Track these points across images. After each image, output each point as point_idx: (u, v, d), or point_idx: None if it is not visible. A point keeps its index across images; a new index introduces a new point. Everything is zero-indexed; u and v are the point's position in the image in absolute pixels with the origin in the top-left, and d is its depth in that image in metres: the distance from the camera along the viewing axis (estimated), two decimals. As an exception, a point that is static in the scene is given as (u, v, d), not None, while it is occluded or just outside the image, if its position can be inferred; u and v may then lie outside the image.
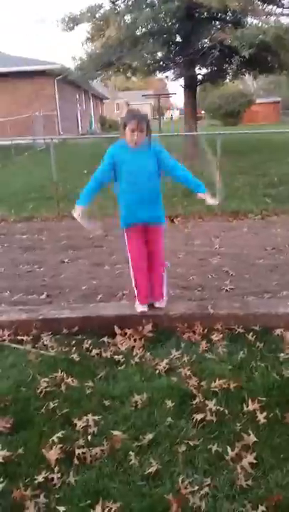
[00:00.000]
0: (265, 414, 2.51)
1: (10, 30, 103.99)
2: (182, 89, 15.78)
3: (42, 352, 3.29)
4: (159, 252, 3.64)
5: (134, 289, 3.71)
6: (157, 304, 3.72)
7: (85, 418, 2.50)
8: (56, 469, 2.15)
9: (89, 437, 2.37)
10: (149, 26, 13.26)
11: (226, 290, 4.26)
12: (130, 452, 2.25)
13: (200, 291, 4.26)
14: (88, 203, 3.51)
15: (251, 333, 3.41)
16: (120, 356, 3.18)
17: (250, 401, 2.61)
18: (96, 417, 2.51)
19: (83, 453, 2.25)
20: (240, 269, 4.81)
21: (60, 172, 8.90)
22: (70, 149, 17.47)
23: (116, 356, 3.19)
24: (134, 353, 3.21)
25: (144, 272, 3.64)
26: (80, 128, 28.39)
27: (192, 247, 5.66)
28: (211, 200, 3.54)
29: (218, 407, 2.57)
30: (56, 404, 2.65)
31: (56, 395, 2.76)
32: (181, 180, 3.52)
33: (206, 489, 2.02)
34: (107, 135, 20.28)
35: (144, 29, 13.46)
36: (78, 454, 2.24)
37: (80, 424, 2.46)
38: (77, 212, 3.49)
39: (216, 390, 2.75)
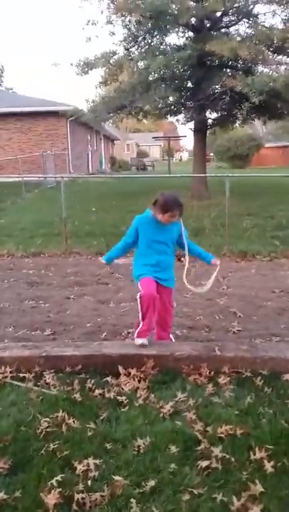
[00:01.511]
0: (272, 463, 2.40)
1: (26, 72, 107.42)
2: (192, 132, 16.13)
3: (44, 390, 3.20)
4: (170, 304, 3.81)
5: (140, 321, 3.67)
6: None
7: (85, 461, 2.40)
8: (54, 515, 2.05)
9: (89, 482, 2.26)
10: (161, 72, 13.70)
11: (234, 332, 4.19)
12: (132, 499, 2.14)
13: (207, 332, 4.20)
14: (112, 262, 3.95)
15: (259, 378, 3.31)
16: (124, 397, 3.09)
17: (257, 449, 2.50)
18: (97, 461, 2.41)
19: (83, 498, 2.15)
20: (248, 310, 4.74)
21: (69, 209, 9.01)
22: (79, 188, 17.73)
23: (119, 397, 3.10)
24: (138, 395, 3.12)
25: (153, 305, 3.64)
26: (90, 167, 28.97)
27: (199, 286, 5.60)
28: (218, 261, 3.88)
29: (224, 454, 2.47)
30: (56, 446, 2.55)
31: (57, 435, 2.67)
32: (195, 255, 3.88)
33: None
34: (116, 175, 20.60)
35: (156, 75, 13.90)
36: (77, 499, 2.14)
37: (80, 467, 2.36)
38: (102, 265, 3.82)
39: (222, 435, 2.64)
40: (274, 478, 2.32)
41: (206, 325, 4.35)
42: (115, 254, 3.87)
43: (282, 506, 2.14)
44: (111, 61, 14.11)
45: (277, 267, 6.70)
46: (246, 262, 7.03)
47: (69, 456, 2.47)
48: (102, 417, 2.87)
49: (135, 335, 3.71)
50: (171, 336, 3.90)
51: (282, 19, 13.87)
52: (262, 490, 2.21)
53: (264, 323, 4.41)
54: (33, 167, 20.45)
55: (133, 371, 3.40)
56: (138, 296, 3.60)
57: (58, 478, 2.27)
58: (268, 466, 2.38)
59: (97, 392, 3.17)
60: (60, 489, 2.20)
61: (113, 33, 14.35)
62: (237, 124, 18.37)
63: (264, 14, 14.25)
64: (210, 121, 16.40)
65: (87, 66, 14.09)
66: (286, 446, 2.57)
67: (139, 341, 3.65)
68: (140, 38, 14.65)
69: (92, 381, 3.30)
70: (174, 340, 3.87)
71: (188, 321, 4.40)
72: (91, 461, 2.40)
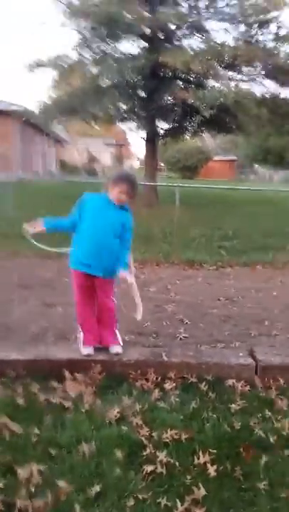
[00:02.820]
0: (215, 467, 2.45)
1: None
2: (143, 141, 16.28)
3: (-14, 395, 3.11)
4: (107, 301, 3.66)
5: (79, 328, 3.64)
6: (114, 350, 3.64)
7: (29, 467, 2.35)
8: (-6, 523, 1.99)
9: (32, 488, 2.22)
10: (114, 80, 13.77)
11: (180, 338, 4.24)
12: (76, 505, 2.12)
13: (154, 338, 4.22)
14: (51, 228, 3.55)
15: (204, 383, 3.37)
16: (69, 402, 3.05)
17: (201, 453, 2.54)
18: (41, 467, 2.37)
19: (25, 505, 2.10)
20: (195, 317, 4.82)
21: (17, 210, 8.82)
22: (28, 189, 17.41)
23: (65, 402, 3.05)
24: (84, 400, 3.09)
25: (91, 310, 3.64)
26: (39, 169, 28.51)
27: (148, 293, 5.64)
28: (129, 280, 3.58)
29: (168, 459, 2.49)
30: (-2, 452, 2.48)
31: (-1, 441, 2.60)
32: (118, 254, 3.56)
33: None
34: (66, 179, 20.43)
35: (109, 82, 13.96)
36: (20, 506, 2.09)
37: (23, 473, 2.30)
38: (34, 225, 3.50)
39: (167, 440, 2.67)
40: (216, 481, 2.37)
41: (153, 331, 4.37)
42: (56, 222, 3.61)
43: (223, 509, 2.19)
44: (64, 65, 14.04)
45: (223, 276, 6.85)
46: (193, 270, 7.15)
47: (12, 462, 2.40)
48: (46, 423, 2.82)
49: (80, 343, 3.67)
50: (118, 335, 3.76)
51: (233, 37, 14.34)
52: (205, 493, 2.25)
53: (209, 329, 4.49)
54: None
55: (79, 376, 3.37)
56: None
57: (0, 484, 2.21)
58: (211, 470, 2.43)
59: (41, 397, 3.11)
60: (2, 496, 2.14)
61: (67, 37, 14.31)
62: (187, 137, 18.72)
63: (216, 31, 14.69)
64: (161, 131, 16.62)
65: (38, 65, 13.95)
66: (228, 449, 2.63)
67: (84, 351, 3.62)
68: (94, 45, 14.67)
69: (37, 386, 3.23)
70: (120, 341, 3.74)
71: (136, 327, 4.39)
72: (34, 467, 2.35)
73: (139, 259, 7.19)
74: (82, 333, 3.68)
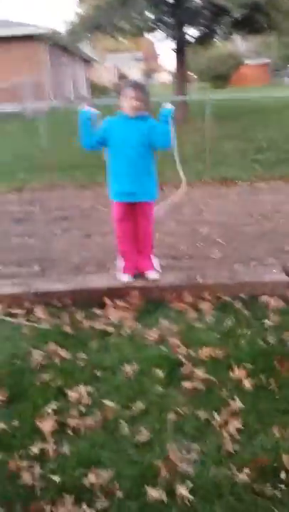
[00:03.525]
0: (250, 380, 2.60)
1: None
2: (172, 52, 15.48)
3: (35, 325, 3.35)
4: (146, 228, 3.70)
5: (119, 258, 3.76)
6: (150, 276, 3.77)
7: (77, 389, 2.58)
8: (51, 440, 2.24)
9: (82, 408, 2.45)
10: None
11: (214, 258, 4.31)
12: (122, 421, 2.34)
13: (189, 259, 4.32)
14: (85, 121, 3.50)
15: (238, 301, 3.49)
16: (112, 327, 3.25)
17: (236, 368, 2.69)
18: (89, 388, 2.60)
19: (77, 424, 2.34)
20: (229, 237, 4.85)
21: (52, 141, 8.79)
22: (60, 118, 17.15)
23: (107, 328, 3.25)
24: (125, 324, 3.27)
25: (130, 242, 3.72)
26: (71, 94, 27.74)
27: (181, 215, 5.68)
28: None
29: (206, 375, 2.66)
30: (50, 377, 2.72)
31: (50, 367, 2.84)
32: (159, 134, 3.45)
33: (194, 455, 2.13)
34: (96, 102, 19.89)
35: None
36: (72, 425, 2.33)
37: (73, 395, 2.54)
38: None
39: (204, 358, 2.83)
40: (252, 394, 2.52)
41: (188, 254, 4.46)
42: (89, 124, 3.49)
43: (259, 420, 2.34)
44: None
45: (257, 191, 6.75)
46: (227, 188, 7.06)
47: (62, 386, 2.64)
48: (92, 347, 3.03)
49: (120, 271, 3.81)
50: (155, 261, 3.85)
51: None
52: (241, 405, 2.42)
53: (243, 248, 4.53)
54: (9, 96, 19.50)
55: (120, 302, 3.55)
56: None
57: (53, 406, 2.45)
58: (247, 384, 2.58)
59: (86, 324, 3.32)
60: (56, 417, 2.38)
61: None
62: (217, 41, 17.61)
63: None
64: (190, 38, 15.68)
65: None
66: (263, 363, 2.76)
67: (122, 278, 3.76)
68: None
69: (81, 314, 3.44)
70: (157, 266, 3.84)
71: (170, 251, 4.50)
72: (83, 388, 2.58)
73: (171, 182, 7.13)
74: (121, 262, 3.82)
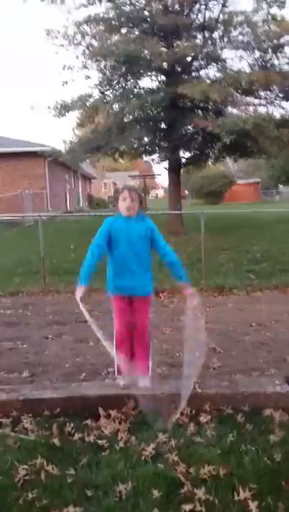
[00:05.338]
0: (256, 503, 2.36)
1: (3, 114, 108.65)
2: (166, 171, 16.47)
3: (21, 436, 3.11)
4: (143, 321, 3.71)
5: (115, 357, 3.65)
6: (141, 383, 3.62)
7: (65, 510, 2.32)
8: None
9: (69, 532, 2.19)
10: (136, 114, 14.08)
11: (214, 368, 4.17)
12: None
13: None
14: (90, 280, 3.59)
15: (240, 414, 3.29)
16: (104, 441, 3.01)
17: (240, 489, 2.46)
18: (77, 509, 2.33)
19: None
20: (227, 345, 4.74)
21: (48, 247, 8.98)
22: (58, 226, 17.75)
23: (99, 441, 3.02)
24: (119, 437, 3.05)
25: (127, 340, 3.69)
26: (68, 205, 29.16)
27: (178, 322, 5.60)
28: (189, 290, 3.78)
29: (207, 496, 2.41)
30: (35, 495, 2.46)
31: (35, 484, 2.58)
32: (169, 265, 3.71)
33: None
34: (94, 212, 20.76)
35: (131, 117, 14.28)
36: None
37: (59, 517, 2.28)
38: (79, 293, 3.52)
39: (205, 477, 2.59)
40: (259, 518, 2.28)
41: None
42: (88, 270, 3.54)
43: None
44: (87, 104, 14.42)
45: (254, 301, 6.76)
46: (223, 297, 7.09)
47: (48, 505, 2.38)
48: (82, 463, 2.79)
49: (116, 373, 3.69)
50: (149, 365, 3.76)
51: (248, 63, 14.53)
52: (247, 532, 2.17)
53: (243, 357, 4.41)
54: (11, 206, 20.41)
55: (113, 413, 3.34)
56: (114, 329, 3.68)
57: (37, 530, 2.19)
58: (252, 507, 2.34)
59: (76, 436, 3.10)
60: None
61: (88, 77, 14.76)
62: (209, 163, 18.84)
63: (232, 59, 14.89)
64: (184, 160, 16.80)
65: (64, 109, 14.36)
66: (270, 484, 2.53)
67: (120, 381, 3.64)
68: (115, 82, 15.12)
69: (72, 425, 3.22)
70: (150, 370, 3.75)
71: (168, 358, 4.36)
72: (71, 509, 2.32)
73: (168, 288, 7.18)
74: (116, 362, 3.68)
